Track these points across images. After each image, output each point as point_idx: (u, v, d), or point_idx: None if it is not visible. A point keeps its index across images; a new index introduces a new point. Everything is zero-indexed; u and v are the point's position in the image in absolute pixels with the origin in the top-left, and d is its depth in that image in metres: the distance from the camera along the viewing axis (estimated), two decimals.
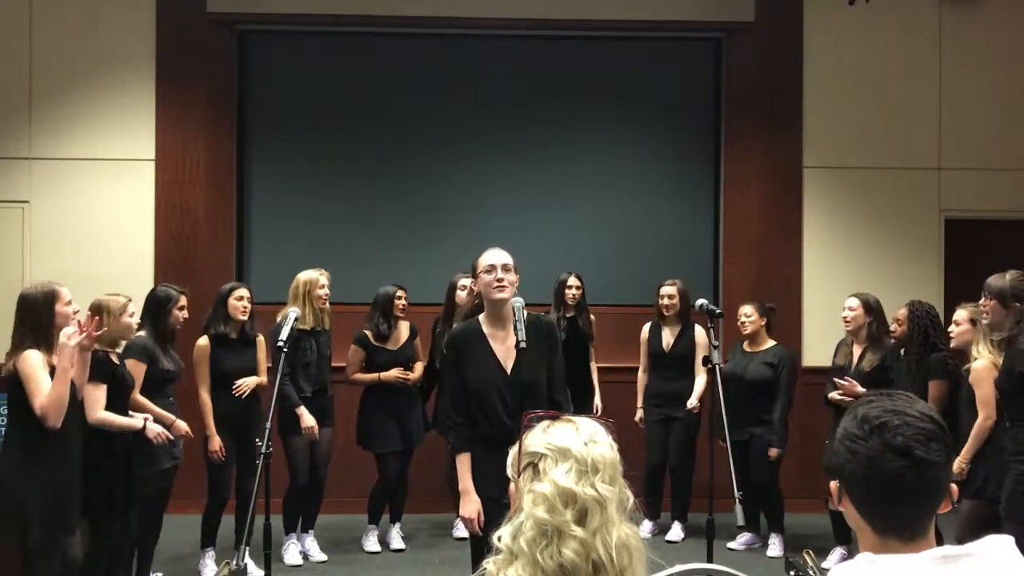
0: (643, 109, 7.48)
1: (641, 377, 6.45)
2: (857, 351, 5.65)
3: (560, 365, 3.76)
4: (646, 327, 6.45)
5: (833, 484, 1.58)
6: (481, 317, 3.77)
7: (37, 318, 3.94)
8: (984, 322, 4.41)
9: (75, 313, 4.04)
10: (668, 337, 6.33)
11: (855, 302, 5.66)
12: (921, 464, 1.49)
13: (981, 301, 4.41)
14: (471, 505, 3.60)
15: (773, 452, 5.88)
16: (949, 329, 4.77)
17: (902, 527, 1.52)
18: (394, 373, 5.94)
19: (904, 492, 1.50)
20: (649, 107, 7.48)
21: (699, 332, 6.29)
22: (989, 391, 4.37)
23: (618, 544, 1.62)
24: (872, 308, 5.62)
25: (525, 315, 3.64)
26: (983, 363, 4.43)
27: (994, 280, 4.32)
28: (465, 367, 3.67)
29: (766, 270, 7.22)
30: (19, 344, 3.93)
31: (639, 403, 6.42)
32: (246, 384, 5.39)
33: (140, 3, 7.06)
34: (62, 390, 3.84)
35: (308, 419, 5.55)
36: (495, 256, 3.67)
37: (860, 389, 5.22)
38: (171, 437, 4.84)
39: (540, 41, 7.47)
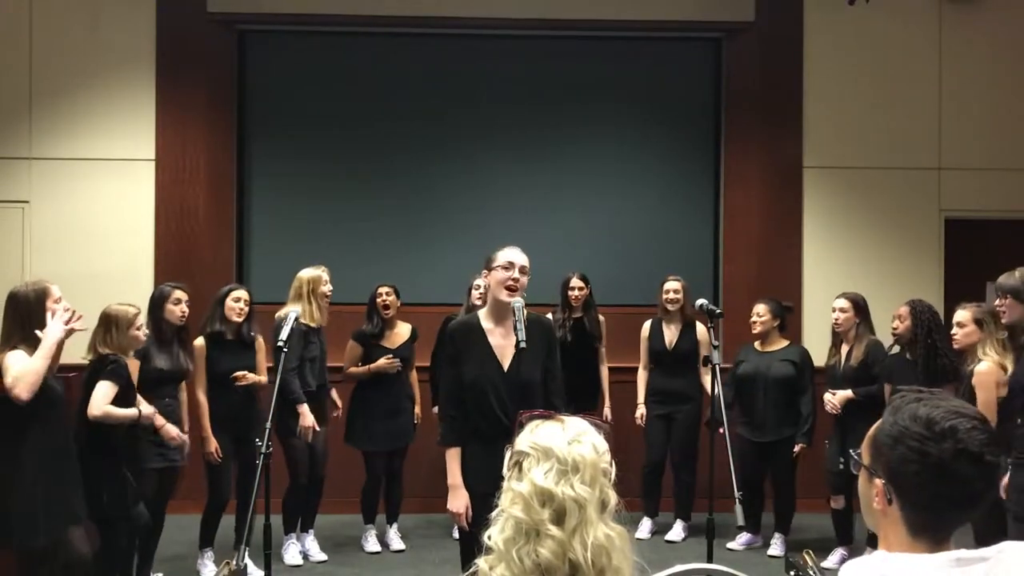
0: (643, 109, 7.47)
1: (642, 374, 6.43)
2: (845, 350, 5.69)
3: (557, 367, 3.73)
4: (646, 325, 6.43)
5: (879, 482, 1.52)
6: (482, 312, 3.76)
7: (26, 316, 3.87)
8: (1003, 321, 4.40)
9: (67, 311, 3.90)
10: (670, 335, 6.32)
11: (845, 303, 5.68)
12: (990, 469, 1.47)
13: (996, 302, 4.41)
14: (459, 500, 3.60)
15: (799, 447, 5.86)
16: (952, 332, 4.72)
17: (943, 529, 1.50)
18: (383, 361, 5.89)
19: (968, 497, 1.48)
20: (649, 107, 7.47)
21: (700, 330, 6.29)
22: (991, 396, 4.33)
23: (596, 545, 1.61)
24: (861, 307, 5.68)
25: (525, 315, 3.63)
26: (988, 366, 4.41)
27: (1005, 279, 4.33)
28: (463, 361, 3.66)
29: (766, 270, 7.21)
30: (6, 341, 3.87)
31: (640, 399, 6.38)
32: (246, 376, 5.34)
33: (140, 3, 7.06)
34: (38, 365, 3.73)
35: (308, 418, 5.51)
36: (516, 255, 3.65)
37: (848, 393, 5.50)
38: (173, 435, 4.82)
39: (541, 41, 7.46)
